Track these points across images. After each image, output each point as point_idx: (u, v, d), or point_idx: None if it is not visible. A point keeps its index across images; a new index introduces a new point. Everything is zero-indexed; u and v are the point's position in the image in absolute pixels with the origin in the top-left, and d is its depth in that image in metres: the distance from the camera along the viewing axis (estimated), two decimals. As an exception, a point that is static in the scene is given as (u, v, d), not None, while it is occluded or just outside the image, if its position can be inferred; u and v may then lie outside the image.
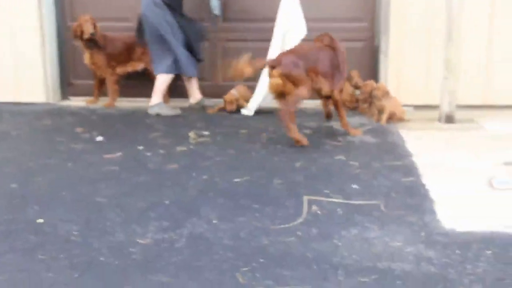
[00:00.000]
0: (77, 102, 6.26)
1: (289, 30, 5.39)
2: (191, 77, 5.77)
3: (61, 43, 6.38)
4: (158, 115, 5.59)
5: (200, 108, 5.83)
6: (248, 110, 5.63)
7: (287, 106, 4.48)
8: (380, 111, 5.24)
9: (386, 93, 5.26)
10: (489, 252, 2.68)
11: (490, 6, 5.60)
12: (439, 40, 5.26)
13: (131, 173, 3.90)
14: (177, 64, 5.62)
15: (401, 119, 5.25)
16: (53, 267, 2.60)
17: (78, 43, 6.00)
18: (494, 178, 3.56)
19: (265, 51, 5.70)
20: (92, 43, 5.79)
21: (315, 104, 5.66)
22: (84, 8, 6.22)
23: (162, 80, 5.67)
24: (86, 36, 5.72)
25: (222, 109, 5.74)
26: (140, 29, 5.71)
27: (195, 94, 5.85)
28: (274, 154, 4.29)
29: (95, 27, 5.73)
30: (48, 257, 2.69)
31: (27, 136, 5.03)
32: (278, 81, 4.43)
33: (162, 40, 5.55)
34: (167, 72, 5.64)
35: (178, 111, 5.68)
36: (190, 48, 5.69)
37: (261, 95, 5.51)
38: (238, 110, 5.69)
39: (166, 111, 5.63)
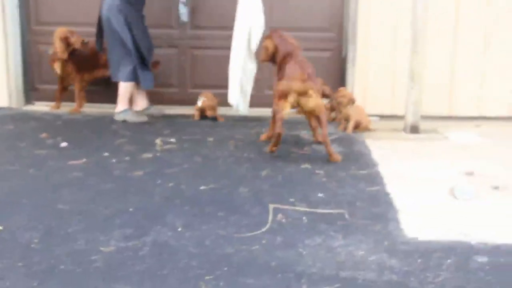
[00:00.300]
0: (41, 107, 6.15)
1: (251, 28, 5.17)
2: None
3: (26, 47, 6.25)
4: (124, 121, 5.53)
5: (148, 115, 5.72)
6: (243, 110, 5.34)
7: (325, 128, 4.32)
8: (346, 120, 5.29)
9: (351, 101, 5.31)
10: (450, 260, 2.72)
11: (455, 18, 5.72)
12: (405, 50, 5.35)
13: (95, 180, 3.84)
14: (136, 72, 5.52)
15: (366, 128, 5.31)
16: (11, 275, 2.54)
17: (41, 49, 5.92)
18: (456, 187, 3.62)
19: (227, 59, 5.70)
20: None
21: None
22: (49, 12, 6.15)
23: (125, 86, 5.58)
24: (77, 45, 5.69)
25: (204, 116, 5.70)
26: (99, 34, 5.60)
27: (142, 102, 5.74)
28: (241, 162, 4.29)
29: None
30: (6, 265, 2.63)
31: (-11, 141, 4.92)
32: (319, 100, 4.30)
33: (122, 46, 5.45)
34: (128, 80, 5.55)
35: (145, 118, 5.62)
36: (143, 59, 5.59)
37: (249, 93, 5.32)
38: (205, 117, 5.68)
39: (132, 117, 5.57)
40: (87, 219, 3.18)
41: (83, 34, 5.97)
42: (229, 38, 5.23)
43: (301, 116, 4.88)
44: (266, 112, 5.97)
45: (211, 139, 4.96)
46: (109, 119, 5.59)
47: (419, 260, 2.73)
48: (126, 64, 5.50)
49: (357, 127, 5.28)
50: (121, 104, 5.61)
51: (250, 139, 4.93)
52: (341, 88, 5.55)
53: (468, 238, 2.98)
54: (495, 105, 5.85)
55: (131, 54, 5.46)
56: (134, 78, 5.55)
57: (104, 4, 5.46)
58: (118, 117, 5.58)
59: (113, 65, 5.59)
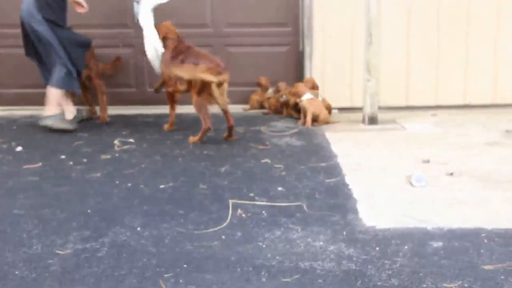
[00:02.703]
0: (-4, 112, 6.02)
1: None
2: (72, 92, 5.39)
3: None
4: (49, 127, 5.17)
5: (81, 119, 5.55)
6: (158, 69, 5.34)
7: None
8: (304, 113, 5.33)
9: (296, 94, 5.39)
10: (406, 247, 2.77)
11: (408, 8, 5.81)
12: (361, 43, 5.41)
13: (52, 183, 3.78)
14: (68, 77, 5.22)
15: (326, 121, 5.35)
16: (-35, 284, 2.48)
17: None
18: (412, 175, 3.68)
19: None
20: None
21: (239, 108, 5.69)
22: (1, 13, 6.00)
23: (56, 92, 5.22)
24: None
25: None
26: (27, 43, 5.27)
27: (72, 108, 5.42)
28: (200, 160, 4.27)
29: None
30: (-41, 274, 2.57)
31: None
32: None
33: (51, 52, 5.18)
34: (61, 86, 5.21)
35: (73, 126, 5.28)
36: (72, 62, 5.29)
37: None
38: None
39: (59, 124, 5.20)
40: (44, 223, 3.12)
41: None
42: (189, 36, 5.22)
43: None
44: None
45: (170, 137, 4.93)
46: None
47: (377, 248, 2.77)
48: (55, 70, 5.20)
49: (316, 120, 5.31)
50: (49, 108, 5.24)
51: (209, 136, 4.90)
52: (298, 83, 5.59)
53: (425, 224, 3.03)
54: (450, 94, 5.97)
55: (62, 58, 5.17)
56: (66, 85, 5.24)
57: (22, 9, 5.15)
58: (44, 122, 5.22)
59: (42, 70, 5.34)
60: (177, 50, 4.97)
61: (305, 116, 5.33)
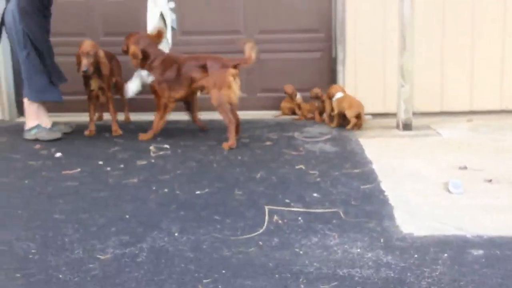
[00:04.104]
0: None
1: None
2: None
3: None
4: (36, 139, 5.17)
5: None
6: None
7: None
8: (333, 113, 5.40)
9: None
10: (446, 255, 2.74)
11: (442, 13, 5.75)
12: (393, 48, 5.38)
13: (90, 189, 3.85)
14: (44, 90, 5.19)
15: (356, 120, 5.31)
16: (9, 287, 2.54)
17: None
18: (449, 182, 3.64)
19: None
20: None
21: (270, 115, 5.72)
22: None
23: (31, 104, 5.21)
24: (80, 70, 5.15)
25: None
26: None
27: (48, 118, 5.37)
28: (235, 166, 4.30)
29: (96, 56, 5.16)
30: (4, 277, 2.63)
31: (-18, 154, 4.91)
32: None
33: (34, 59, 5.11)
34: (35, 99, 5.20)
35: (58, 134, 5.25)
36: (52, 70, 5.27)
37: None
38: None
39: (44, 135, 5.19)
40: (84, 227, 3.18)
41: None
42: (218, 42, 5.27)
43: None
44: (258, 115, 6.03)
45: (204, 143, 4.97)
46: (101, 127, 5.58)
47: (415, 256, 2.75)
48: (35, 80, 5.16)
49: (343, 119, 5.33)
50: (30, 120, 5.23)
51: (242, 142, 4.93)
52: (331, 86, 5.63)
53: (464, 232, 3.00)
54: (486, 99, 5.89)
55: (43, 69, 5.14)
56: (42, 96, 5.22)
57: (5, 11, 5.14)
58: (29, 135, 5.21)
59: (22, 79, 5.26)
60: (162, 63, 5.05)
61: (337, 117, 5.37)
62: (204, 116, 5.58)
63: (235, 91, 4.80)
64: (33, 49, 5.10)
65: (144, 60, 5.02)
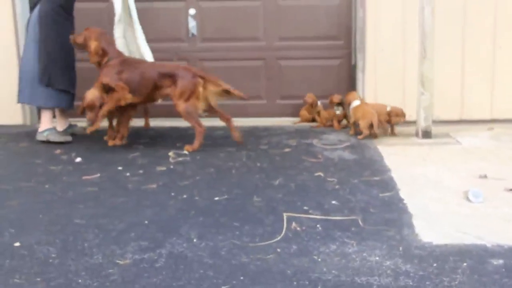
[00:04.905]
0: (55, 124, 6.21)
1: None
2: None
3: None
4: (48, 141, 5.27)
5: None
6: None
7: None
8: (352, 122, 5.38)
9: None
10: (465, 264, 2.72)
11: (463, 21, 5.71)
12: (414, 56, 5.35)
13: (110, 194, 3.88)
14: (54, 96, 5.28)
15: (375, 126, 5.26)
16: (31, 290, 2.58)
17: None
18: (469, 191, 3.61)
19: (242, 69, 5.75)
20: None
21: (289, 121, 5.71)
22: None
23: (45, 109, 5.33)
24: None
25: None
26: None
27: (63, 121, 5.56)
28: (254, 172, 4.31)
29: None
30: (24, 281, 2.66)
31: (3, 159, 4.97)
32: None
33: (49, 65, 5.21)
34: (46, 105, 5.33)
35: (69, 138, 5.37)
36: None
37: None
38: None
39: (56, 137, 5.29)
40: (103, 233, 3.21)
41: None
42: (238, 49, 5.28)
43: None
44: (277, 121, 6.04)
45: (223, 149, 4.99)
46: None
47: (434, 265, 2.73)
48: (39, 86, 5.26)
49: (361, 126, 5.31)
50: (44, 124, 5.37)
51: (261, 149, 4.94)
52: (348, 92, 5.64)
53: (483, 241, 2.97)
54: (507, 107, 5.83)
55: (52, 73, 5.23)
56: (53, 103, 5.33)
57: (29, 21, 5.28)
58: (41, 137, 5.32)
59: (25, 83, 5.33)
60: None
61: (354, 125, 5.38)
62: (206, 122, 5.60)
63: (202, 101, 4.89)
64: (47, 56, 5.20)
65: (101, 58, 5.03)
